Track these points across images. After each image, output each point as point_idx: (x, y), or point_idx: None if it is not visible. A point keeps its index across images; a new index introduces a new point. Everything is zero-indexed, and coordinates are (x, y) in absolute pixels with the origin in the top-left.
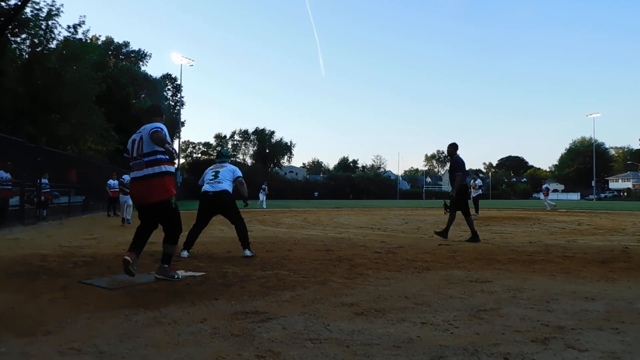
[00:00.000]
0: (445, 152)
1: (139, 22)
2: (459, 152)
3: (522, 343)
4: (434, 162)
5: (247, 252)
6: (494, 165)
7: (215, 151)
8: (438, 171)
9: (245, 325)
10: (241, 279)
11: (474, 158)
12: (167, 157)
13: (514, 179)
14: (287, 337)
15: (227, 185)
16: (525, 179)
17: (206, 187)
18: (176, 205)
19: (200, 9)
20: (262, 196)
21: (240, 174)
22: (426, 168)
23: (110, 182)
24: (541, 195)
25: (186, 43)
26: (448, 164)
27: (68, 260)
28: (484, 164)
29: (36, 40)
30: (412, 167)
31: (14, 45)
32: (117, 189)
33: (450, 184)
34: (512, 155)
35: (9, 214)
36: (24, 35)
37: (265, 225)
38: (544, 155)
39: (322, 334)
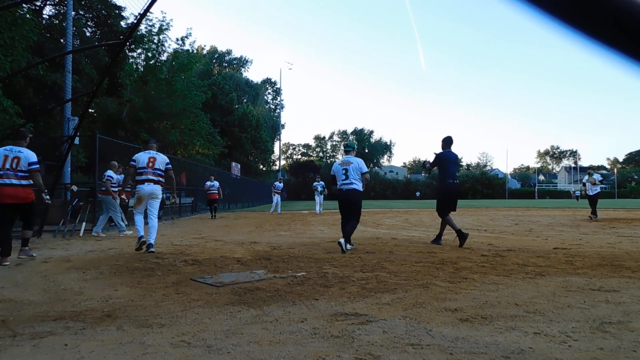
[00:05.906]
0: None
1: (240, 30)
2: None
3: None
4: (548, 158)
5: (349, 246)
6: (620, 160)
7: (314, 152)
8: (552, 168)
9: (345, 327)
10: (341, 280)
11: (594, 153)
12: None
13: None
14: (388, 340)
15: (357, 185)
16: None
17: (339, 186)
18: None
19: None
20: (317, 198)
21: (365, 169)
22: (538, 165)
23: (208, 183)
24: None
25: (285, 47)
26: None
27: (179, 258)
28: (608, 159)
29: (150, 54)
30: (522, 165)
31: (131, 60)
32: (215, 191)
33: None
34: None
35: (128, 214)
36: (139, 50)
37: (365, 226)
38: None
39: (424, 339)
